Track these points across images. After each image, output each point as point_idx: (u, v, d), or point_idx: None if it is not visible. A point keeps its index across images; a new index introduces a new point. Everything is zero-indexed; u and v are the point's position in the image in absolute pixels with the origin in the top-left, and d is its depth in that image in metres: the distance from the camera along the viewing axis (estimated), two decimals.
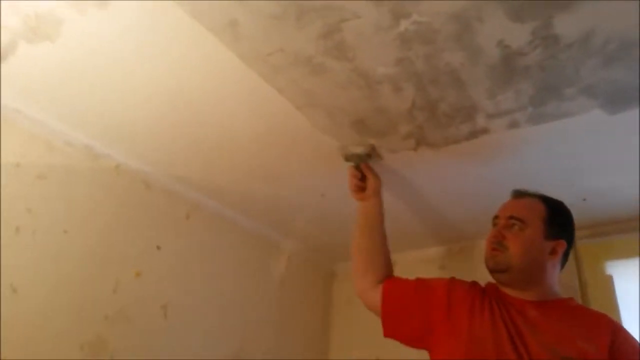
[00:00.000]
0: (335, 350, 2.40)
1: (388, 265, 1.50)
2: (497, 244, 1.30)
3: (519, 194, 1.40)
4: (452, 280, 1.39)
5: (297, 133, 1.51)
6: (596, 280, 1.88)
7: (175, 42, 1.17)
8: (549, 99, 1.28)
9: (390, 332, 1.39)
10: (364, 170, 1.58)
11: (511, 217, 1.32)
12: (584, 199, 1.78)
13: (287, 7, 1.04)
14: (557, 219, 1.33)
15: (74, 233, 1.53)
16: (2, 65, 1.25)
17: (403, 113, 1.39)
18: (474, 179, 1.70)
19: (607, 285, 1.86)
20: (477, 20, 1.05)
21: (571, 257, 1.91)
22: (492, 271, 1.31)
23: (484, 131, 1.44)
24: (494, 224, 1.37)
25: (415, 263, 2.24)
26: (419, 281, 1.42)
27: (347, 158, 1.58)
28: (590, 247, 1.93)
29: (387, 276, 1.48)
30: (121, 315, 1.60)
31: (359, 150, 1.54)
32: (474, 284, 1.38)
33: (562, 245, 1.31)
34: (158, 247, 1.77)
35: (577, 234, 1.97)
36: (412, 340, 1.37)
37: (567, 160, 1.57)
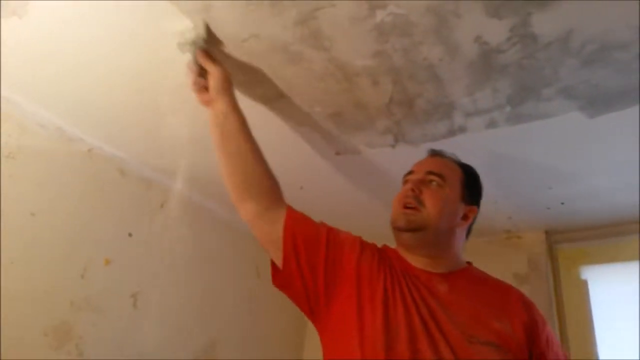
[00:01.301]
0: (311, 343, 2.38)
1: (275, 184, 1.21)
2: (414, 198, 1.16)
3: (436, 153, 1.30)
4: (362, 242, 1.20)
5: (270, 126, 1.48)
6: (571, 284, 1.88)
7: (148, 24, 1.14)
8: (527, 98, 1.26)
9: (282, 280, 1.15)
10: (201, 62, 1.18)
11: (430, 172, 1.21)
12: (562, 203, 1.78)
13: None
14: (473, 184, 1.26)
15: (42, 216, 1.49)
16: None
17: (381, 107, 1.37)
18: None
19: (582, 290, 1.86)
20: (454, 15, 1.03)
21: (547, 259, 1.93)
22: (403, 230, 1.16)
23: (462, 130, 1.42)
24: (406, 180, 1.25)
25: None
26: (329, 229, 1.19)
27: (180, 47, 1.19)
28: (566, 251, 1.93)
29: (282, 201, 1.20)
30: (88, 303, 1.57)
31: (191, 34, 1.15)
32: (383, 251, 1.21)
33: (474, 211, 1.23)
34: (130, 235, 1.74)
35: (555, 237, 1.99)
36: (305, 300, 1.13)
37: (546, 163, 1.56)
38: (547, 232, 1.98)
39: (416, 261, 1.17)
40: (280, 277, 1.15)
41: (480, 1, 0.99)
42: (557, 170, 1.59)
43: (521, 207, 1.84)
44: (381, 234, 2.15)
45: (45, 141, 1.54)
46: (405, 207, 1.17)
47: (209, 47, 1.18)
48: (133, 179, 1.79)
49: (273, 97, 1.38)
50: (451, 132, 1.44)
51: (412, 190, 1.18)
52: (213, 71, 1.18)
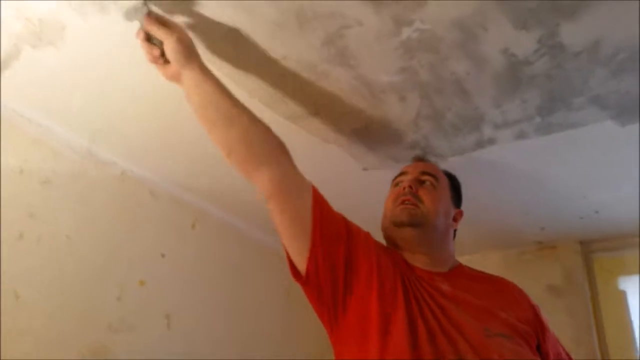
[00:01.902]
0: None
1: (280, 142, 1.09)
2: (412, 195, 1.16)
3: (423, 158, 1.35)
4: (374, 240, 1.15)
5: (299, 141, 1.49)
6: (608, 295, 1.83)
7: None
8: (557, 108, 1.25)
9: (313, 267, 1.02)
10: (148, 28, 1.00)
11: (424, 172, 1.22)
12: (596, 212, 1.75)
13: (288, 15, 1.04)
14: (457, 188, 1.31)
15: (78, 239, 1.52)
16: (6, 71, 1.26)
17: (408, 122, 1.37)
18: (480, 191, 1.67)
19: (620, 301, 1.81)
20: (482, 28, 1.03)
21: (583, 270, 1.89)
22: (406, 224, 1.14)
23: (491, 141, 1.41)
24: (399, 181, 1.24)
25: None
26: (346, 219, 1.14)
27: (126, 15, 1.04)
28: (602, 262, 1.89)
29: (290, 158, 1.10)
30: (124, 324, 1.59)
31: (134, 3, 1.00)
32: (390, 250, 1.18)
33: (461, 214, 1.28)
34: (163, 255, 1.76)
35: (590, 247, 1.95)
36: (329, 292, 1.04)
37: (579, 172, 1.54)
38: (581, 242, 1.95)
39: (416, 261, 1.15)
40: (310, 267, 1.03)
41: (506, 14, 0.99)
42: (589, 178, 1.57)
43: (554, 217, 1.81)
44: None
45: (79, 165, 1.58)
46: (404, 203, 1.16)
47: (153, 9, 1.00)
48: (164, 200, 1.81)
49: (300, 115, 1.39)
50: (480, 145, 1.43)
51: (410, 187, 1.18)
52: (167, 38, 0.99)
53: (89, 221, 1.57)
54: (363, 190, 1.75)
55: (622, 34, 1.02)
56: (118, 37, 1.12)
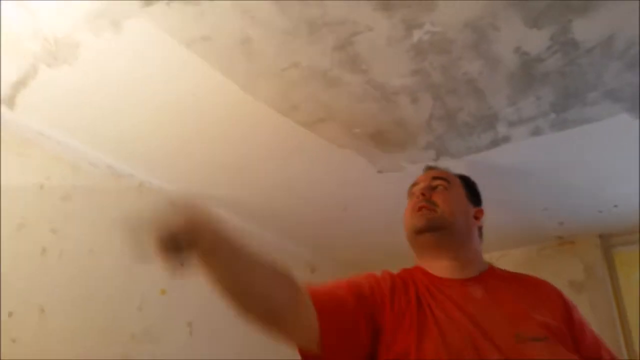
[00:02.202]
0: None
1: (292, 283, 1.02)
2: (426, 201, 1.16)
3: (432, 167, 1.32)
4: (384, 276, 1.13)
5: (315, 148, 1.50)
6: (631, 289, 1.81)
7: (190, 62, 1.18)
8: (572, 104, 1.24)
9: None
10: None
11: (435, 177, 1.21)
12: (615, 206, 1.73)
13: (298, 23, 1.04)
14: (472, 188, 1.27)
15: (100, 252, 1.55)
16: (24, 89, 1.28)
17: (422, 124, 1.37)
18: (498, 189, 1.66)
19: None
20: (493, 28, 1.03)
21: (603, 264, 1.87)
22: (425, 230, 1.13)
23: (506, 139, 1.41)
24: (412, 193, 1.24)
25: None
26: (348, 288, 1.06)
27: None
28: (623, 255, 1.87)
29: (303, 290, 1.02)
30: (147, 334, 1.61)
31: None
32: (402, 276, 1.15)
33: (482, 212, 1.24)
34: (182, 264, 1.77)
35: (610, 241, 1.93)
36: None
37: (595, 166, 1.52)
38: (601, 236, 1.93)
39: (443, 270, 1.13)
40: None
41: (518, 13, 0.99)
42: (607, 172, 1.55)
43: (572, 212, 1.80)
44: None
45: (98, 179, 1.60)
46: (420, 210, 1.16)
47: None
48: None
49: (313, 121, 1.39)
50: (495, 143, 1.43)
51: (423, 194, 1.18)
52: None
53: (109, 234, 1.59)
54: (379, 193, 1.75)
55: (634, 28, 1.01)
56: (131, 53, 1.14)
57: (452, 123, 1.36)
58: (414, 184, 1.25)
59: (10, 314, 1.32)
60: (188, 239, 0.86)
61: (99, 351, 1.47)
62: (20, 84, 1.25)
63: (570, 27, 1.02)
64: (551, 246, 2.01)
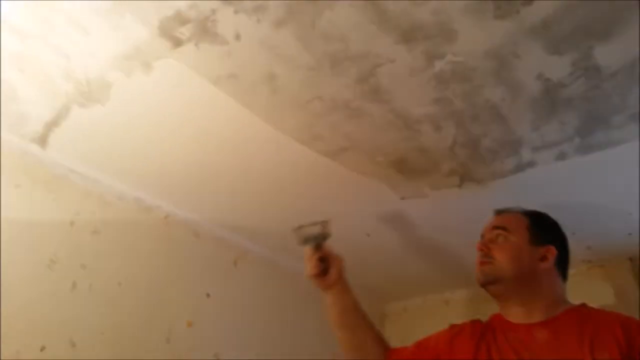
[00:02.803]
0: None
1: (381, 342, 1.36)
2: (484, 256, 1.23)
3: (499, 212, 1.34)
4: (452, 326, 1.31)
5: (337, 176, 1.51)
6: None
7: (216, 98, 1.21)
8: (596, 128, 1.24)
9: None
10: (325, 252, 1.38)
11: (494, 227, 1.26)
12: None
13: (320, 58, 1.07)
14: (541, 225, 1.26)
15: (128, 285, 1.56)
16: (57, 129, 1.32)
17: (444, 151, 1.38)
18: None
19: None
20: (514, 55, 1.04)
21: (635, 288, 1.83)
22: (483, 285, 1.22)
23: (531, 164, 1.40)
24: (480, 241, 1.29)
25: (470, 302, 2.17)
26: (419, 343, 1.33)
27: (305, 241, 1.39)
28: None
29: (388, 351, 1.34)
30: None
31: (315, 229, 1.37)
32: (475, 323, 1.29)
33: (551, 250, 1.22)
34: (208, 295, 1.79)
35: None
36: None
37: (622, 189, 1.50)
38: (631, 260, 1.89)
39: (514, 315, 1.19)
40: None
41: (538, 41, 1.00)
42: (634, 194, 1.53)
43: (600, 236, 1.77)
44: (452, 275, 2.13)
45: (125, 212, 1.63)
46: (480, 265, 1.23)
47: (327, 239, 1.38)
48: (206, 240, 1.85)
49: (335, 150, 1.41)
50: (519, 168, 1.42)
51: (481, 249, 1.25)
52: (336, 260, 1.38)
53: (138, 267, 1.61)
54: (402, 220, 1.75)
55: None
56: (160, 91, 1.18)
57: (476, 149, 1.36)
58: (481, 235, 1.31)
59: (42, 349, 1.34)
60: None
61: None
62: (53, 124, 1.29)
63: (592, 52, 1.02)
64: (580, 272, 1.97)
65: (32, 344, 1.32)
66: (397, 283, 2.07)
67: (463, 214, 1.71)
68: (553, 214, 1.62)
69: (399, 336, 2.35)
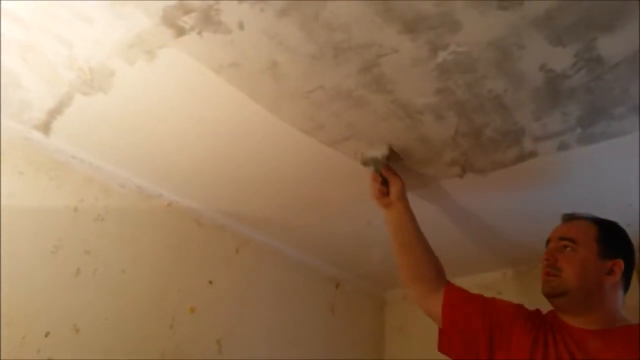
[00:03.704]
0: None
1: (437, 268, 1.43)
2: (550, 267, 1.25)
3: (568, 217, 1.35)
4: (520, 307, 1.34)
5: (339, 164, 1.52)
6: None
7: (218, 87, 1.21)
8: (599, 119, 1.24)
9: (446, 347, 1.36)
10: (384, 174, 1.47)
11: (562, 238, 1.27)
12: None
13: (323, 47, 1.07)
14: (611, 238, 1.27)
15: (132, 272, 1.58)
16: (59, 116, 1.33)
17: (446, 140, 1.38)
18: (525, 203, 1.66)
19: None
20: (517, 46, 1.04)
21: (635, 279, 1.83)
22: (549, 296, 1.26)
23: (532, 154, 1.40)
24: (547, 249, 1.32)
25: (471, 289, 2.18)
26: (486, 301, 1.36)
27: (366, 162, 1.48)
28: None
29: (444, 281, 1.42)
30: (177, 352, 1.63)
31: (377, 153, 1.44)
32: (537, 314, 1.32)
33: (619, 264, 1.23)
34: (210, 282, 1.80)
35: None
36: None
37: (624, 179, 1.51)
38: None
39: (571, 319, 1.23)
40: (443, 347, 1.37)
41: (542, 32, 1.00)
42: (635, 186, 1.53)
43: None
44: (457, 263, 2.14)
45: (128, 200, 1.64)
46: (547, 275, 1.25)
47: (391, 162, 1.47)
48: (208, 228, 1.86)
49: (337, 140, 1.41)
50: (521, 158, 1.42)
51: (547, 259, 1.26)
52: (395, 182, 1.46)
53: (141, 254, 1.62)
54: None
55: None
56: (163, 80, 1.18)
57: (478, 139, 1.36)
58: (547, 241, 1.33)
59: (47, 334, 1.36)
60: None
61: None
62: (56, 111, 1.30)
63: (595, 44, 1.02)
64: None
65: (37, 330, 1.34)
66: (397, 271, 2.08)
67: (463, 203, 1.72)
68: (553, 205, 1.63)
69: (398, 323, 2.38)
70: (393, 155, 1.45)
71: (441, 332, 1.38)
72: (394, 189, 1.46)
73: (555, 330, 1.22)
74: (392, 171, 1.48)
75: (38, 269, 1.38)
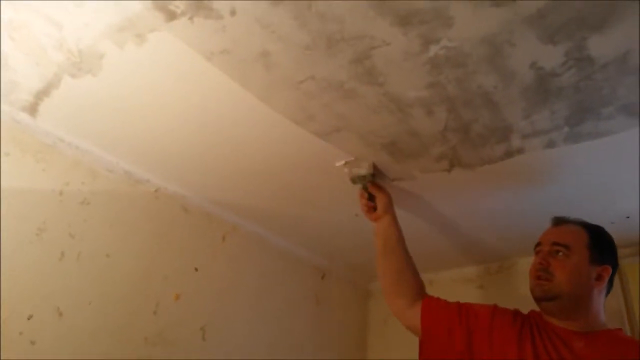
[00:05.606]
0: None
1: (417, 283, 1.50)
2: (543, 271, 1.28)
3: (559, 221, 1.38)
4: (496, 307, 1.37)
5: (328, 155, 1.52)
6: None
7: (209, 73, 1.20)
8: (586, 118, 1.25)
9: (427, 355, 1.38)
10: (370, 190, 1.58)
11: (555, 244, 1.30)
12: (627, 217, 1.73)
13: (316, 38, 1.06)
14: (601, 244, 1.31)
15: (117, 257, 1.57)
16: (47, 98, 1.31)
17: (436, 135, 1.39)
18: (511, 199, 1.68)
19: None
20: (509, 43, 1.04)
21: (616, 278, 1.86)
22: (540, 300, 1.29)
23: (520, 151, 1.42)
24: (537, 252, 1.35)
25: (453, 283, 2.22)
26: (461, 305, 1.40)
27: (354, 180, 1.57)
28: (635, 267, 1.86)
29: (423, 295, 1.47)
30: (161, 337, 1.63)
31: (363, 171, 1.55)
32: (517, 312, 1.35)
33: (607, 270, 1.28)
34: (196, 269, 1.80)
35: (622, 252, 1.92)
36: None
37: (608, 178, 1.53)
38: None
39: (557, 322, 1.27)
40: (424, 356, 1.40)
41: (533, 30, 1.00)
42: (619, 184, 1.56)
43: None
44: (439, 258, 2.16)
45: (115, 185, 1.63)
46: (538, 279, 1.28)
47: (376, 179, 1.57)
48: (195, 215, 1.86)
49: (327, 131, 1.41)
50: (509, 154, 1.43)
51: (541, 263, 1.29)
52: (381, 197, 1.57)
53: (126, 239, 1.62)
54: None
55: None
56: (153, 64, 1.17)
57: (466, 134, 1.37)
58: (537, 244, 1.36)
59: (29, 317, 1.35)
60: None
61: (114, 354, 1.50)
62: (43, 93, 1.28)
63: (586, 43, 1.03)
64: None
65: (19, 312, 1.33)
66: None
67: (449, 198, 1.73)
68: (539, 202, 1.66)
69: (382, 314, 2.40)
70: (378, 172, 1.56)
71: (421, 343, 1.41)
72: (380, 203, 1.56)
73: (541, 328, 1.26)
74: (377, 187, 1.58)
75: (22, 251, 1.37)
